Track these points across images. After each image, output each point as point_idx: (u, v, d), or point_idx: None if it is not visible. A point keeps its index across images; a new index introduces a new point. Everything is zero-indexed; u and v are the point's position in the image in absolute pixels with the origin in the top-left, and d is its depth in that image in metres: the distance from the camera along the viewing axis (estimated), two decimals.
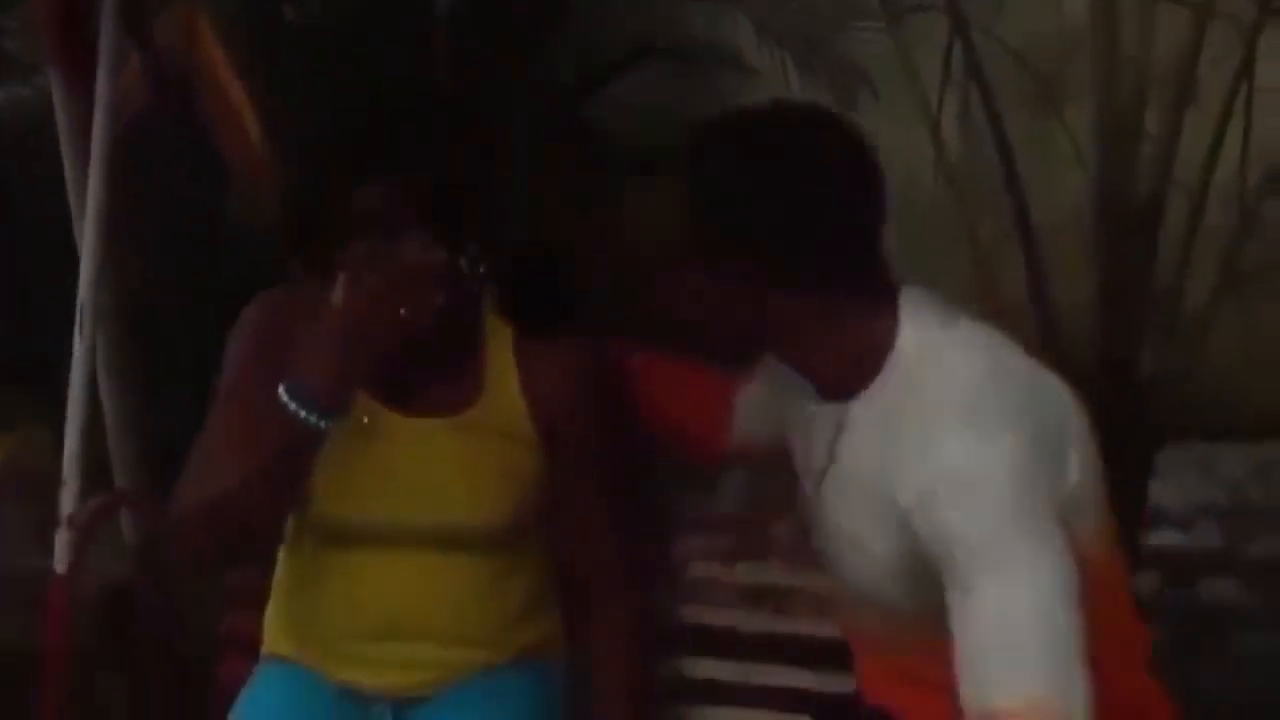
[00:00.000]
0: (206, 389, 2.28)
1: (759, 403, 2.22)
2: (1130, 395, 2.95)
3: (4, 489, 3.99)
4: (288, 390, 2.07)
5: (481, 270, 2.16)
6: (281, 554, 2.32)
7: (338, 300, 2.10)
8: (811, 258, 1.85)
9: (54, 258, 2.94)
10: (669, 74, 4.07)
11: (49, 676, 2.51)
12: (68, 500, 2.61)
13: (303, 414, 2.06)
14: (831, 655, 2.35)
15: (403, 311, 2.08)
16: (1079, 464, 1.86)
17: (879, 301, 1.88)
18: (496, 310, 2.24)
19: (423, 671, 2.26)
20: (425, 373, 2.17)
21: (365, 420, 2.16)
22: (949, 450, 1.82)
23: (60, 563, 2.55)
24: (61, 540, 2.56)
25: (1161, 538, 3.69)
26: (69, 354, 2.74)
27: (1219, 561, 2.60)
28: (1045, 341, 2.98)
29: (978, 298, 2.99)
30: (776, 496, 2.86)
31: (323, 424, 2.06)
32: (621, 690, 2.22)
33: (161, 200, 3.23)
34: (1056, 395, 1.90)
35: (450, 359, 2.19)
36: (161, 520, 2.30)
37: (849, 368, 1.90)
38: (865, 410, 1.90)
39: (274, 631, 2.38)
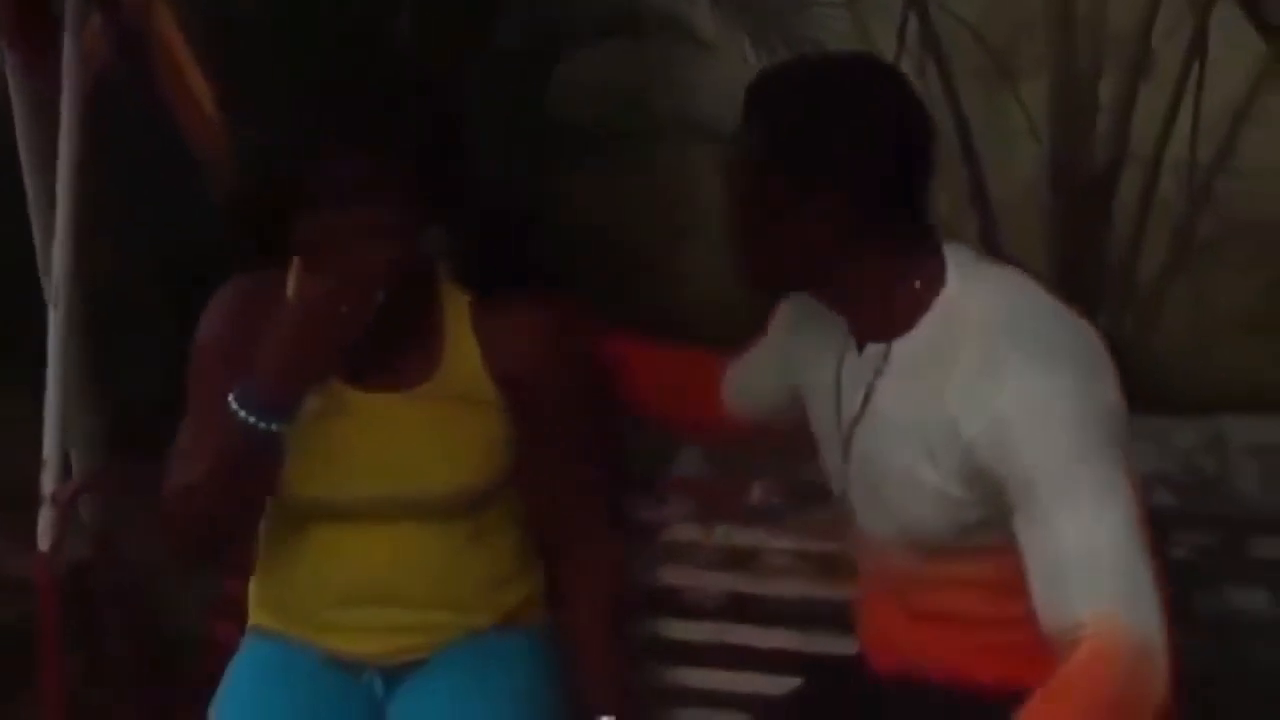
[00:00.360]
0: (171, 364, 2.28)
1: (758, 370, 2.29)
2: None
3: None
4: (237, 398, 2.08)
5: (436, 242, 2.17)
6: (262, 527, 2.33)
7: (294, 290, 2.10)
8: (877, 197, 1.94)
9: (10, 231, 2.92)
10: (624, 50, 4.08)
11: (46, 652, 2.53)
12: (49, 479, 2.61)
13: (252, 420, 2.07)
14: (809, 615, 2.39)
15: (358, 293, 2.08)
16: (1119, 396, 1.94)
17: (929, 244, 1.97)
18: (451, 278, 2.24)
19: (407, 637, 2.28)
20: (383, 347, 2.17)
21: (316, 404, 2.16)
22: (1018, 378, 1.87)
23: (44, 539, 2.55)
24: (45, 518, 2.56)
25: None
26: (22, 330, 2.73)
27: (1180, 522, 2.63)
28: None
29: None
30: (740, 463, 2.89)
31: (273, 428, 2.07)
32: (601, 649, 2.24)
33: (127, 169, 3.22)
34: (1093, 334, 1.99)
35: (407, 331, 2.19)
36: (131, 498, 2.32)
37: (899, 307, 1.98)
38: (910, 349, 1.97)
39: (259, 604, 2.39)
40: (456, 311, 2.23)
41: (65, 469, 2.70)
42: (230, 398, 2.08)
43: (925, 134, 1.98)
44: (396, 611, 2.27)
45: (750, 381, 2.32)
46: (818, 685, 2.26)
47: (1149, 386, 3.22)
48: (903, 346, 1.99)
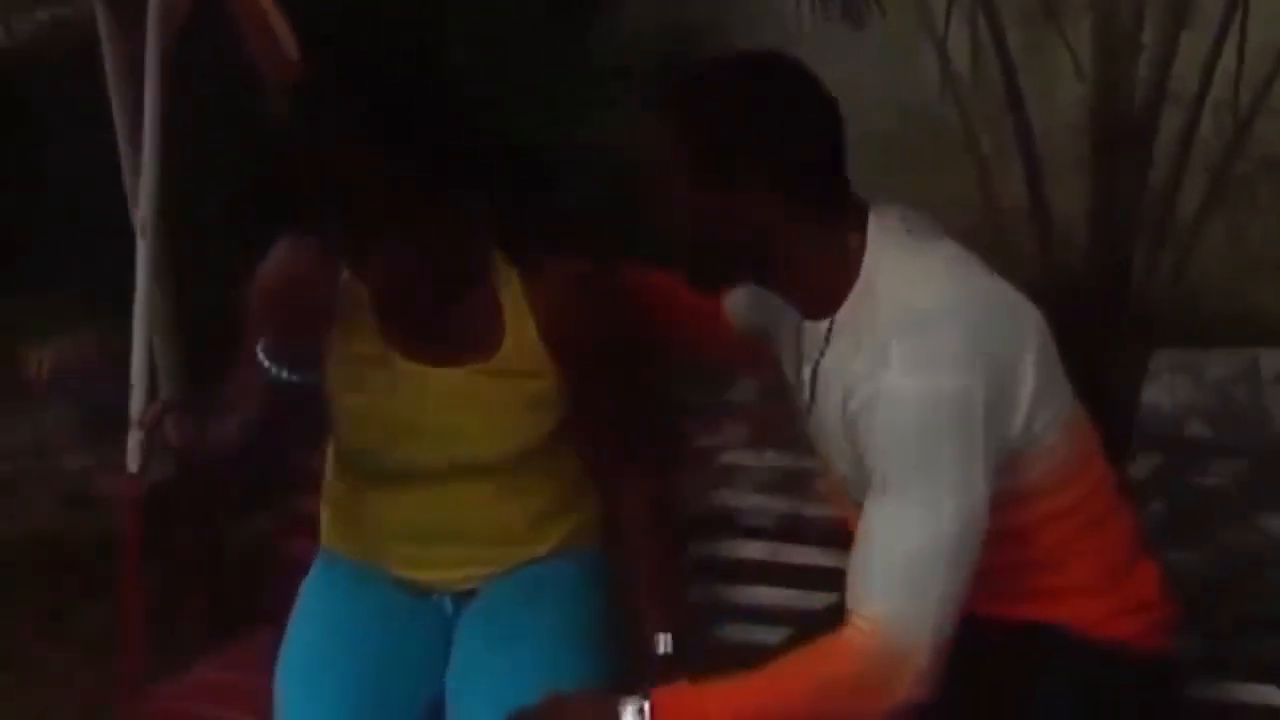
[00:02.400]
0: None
1: (740, 312, 2.34)
2: (1122, 300, 3.02)
3: (53, 390, 4.06)
4: (265, 351, 2.15)
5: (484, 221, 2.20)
6: (329, 453, 2.40)
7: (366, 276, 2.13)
8: (799, 186, 2.01)
9: (98, 172, 3.00)
10: None
11: (129, 568, 2.63)
12: (136, 402, 2.70)
13: (275, 370, 2.14)
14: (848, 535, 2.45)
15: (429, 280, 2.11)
16: (1033, 380, 1.98)
17: (847, 225, 2.05)
18: (502, 253, 2.28)
19: (468, 568, 2.37)
20: (444, 325, 2.23)
21: (377, 377, 2.23)
22: (892, 371, 1.94)
23: (132, 461, 2.66)
24: (133, 440, 2.67)
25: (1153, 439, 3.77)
26: (112, 262, 2.81)
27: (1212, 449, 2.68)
28: (1043, 248, 3.04)
29: (980, 206, 3.06)
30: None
31: (295, 379, 2.15)
32: (653, 569, 2.32)
33: (204, 108, 3.27)
34: (1013, 314, 2.03)
35: (465, 309, 2.24)
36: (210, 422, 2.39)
37: (823, 288, 2.06)
38: (842, 326, 2.06)
39: (329, 528, 2.47)
40: (509, 284, 2.27)
41: (151, 394, 2.79)
42: (259, 349, 2.15)
43: (835, 121, 2.05)
44: (456, 548, 2.35)
45: (744, 308, 2.37)
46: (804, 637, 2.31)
47: (1185, 321, 3.27)
48: (837, 324, 2.06)
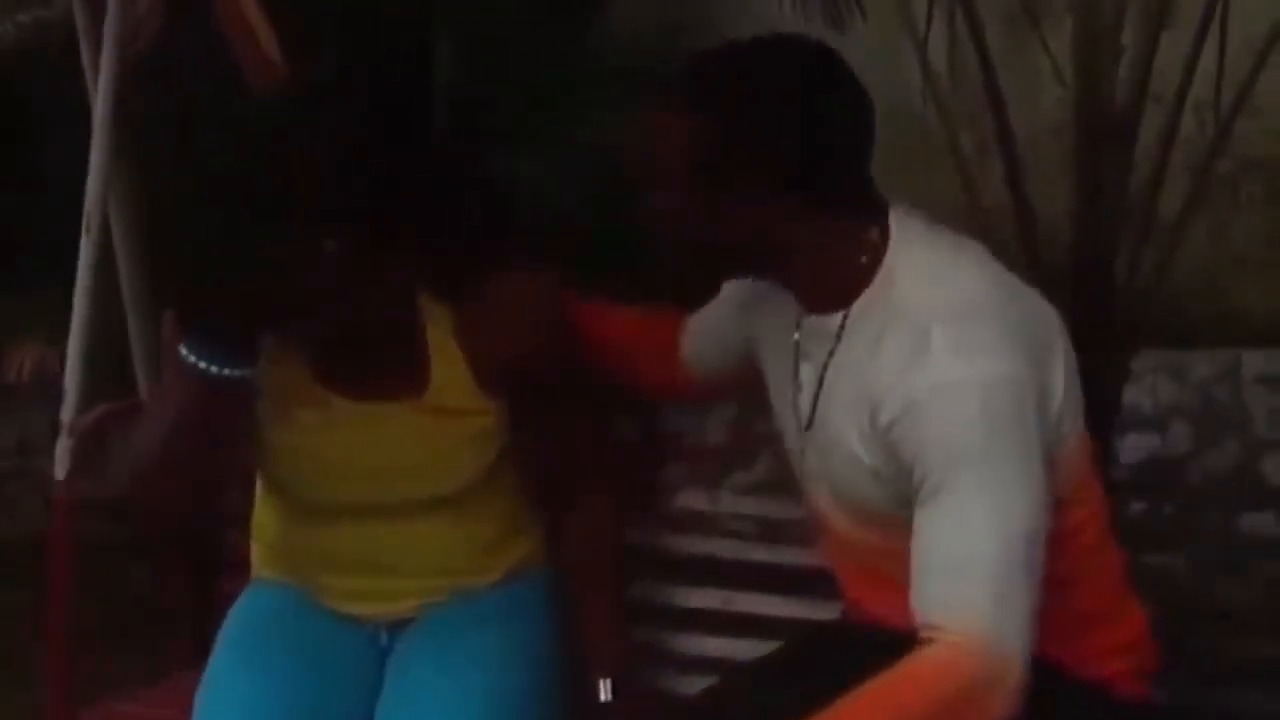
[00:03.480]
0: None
1: (711, 331, 2.26)
2: (1106, 301, 3.00)
3: (32, 391, 4.03)
4: (189, 346, 2.06)
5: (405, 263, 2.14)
6: (259, 488, 2.35)
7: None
8: (811, 174, 1.91)
9: (78, 171, 2.97)
10: None
11: (54, 580, 2.56)
12: (68, 408, 2.64)
13: (203, 365, 2.05)
14: (815, 584, 2.37)
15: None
16: (1063, 379, 1.91)
17: (870, 216, 1.95)
18: (430, 292, 2.22)
19: (403, 600, 2.30)
20: (371, 363, 2.18)
21: (308, 415, 2.16)
22: (936, 366, 1.83)
23: (60, 468, 2.59)
24: (62, 447, 2.60)
25: (1137, 439, 3.76)
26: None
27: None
28: (1025, 249, 3.02)
29: (961, 206, 3.04)
30: (761, 428, 2.89)
31: (226, 372, 2.06)
32: (598, 608, 2.26)
33: (183, 108, 3.24)
34: (1041, 312, 1.95)
35: (392, 347, 2.18)
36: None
37: (840, 280, 1.95)
38: (856, 321, 1.95)
39: (261, 559, 2.40)
40: (438, 325, 2.22)
41: (85, 399, 2.73)
42: (181, 347, 2.07)
43: (864, 108, 1.93)
44: (394, 580, 2.29)
45: (705, 339, 2.28)
46: (796, 644, 2.23)
47: (1168, 321, 3.26)
48: (850, 319, 1.96)
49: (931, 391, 1.84)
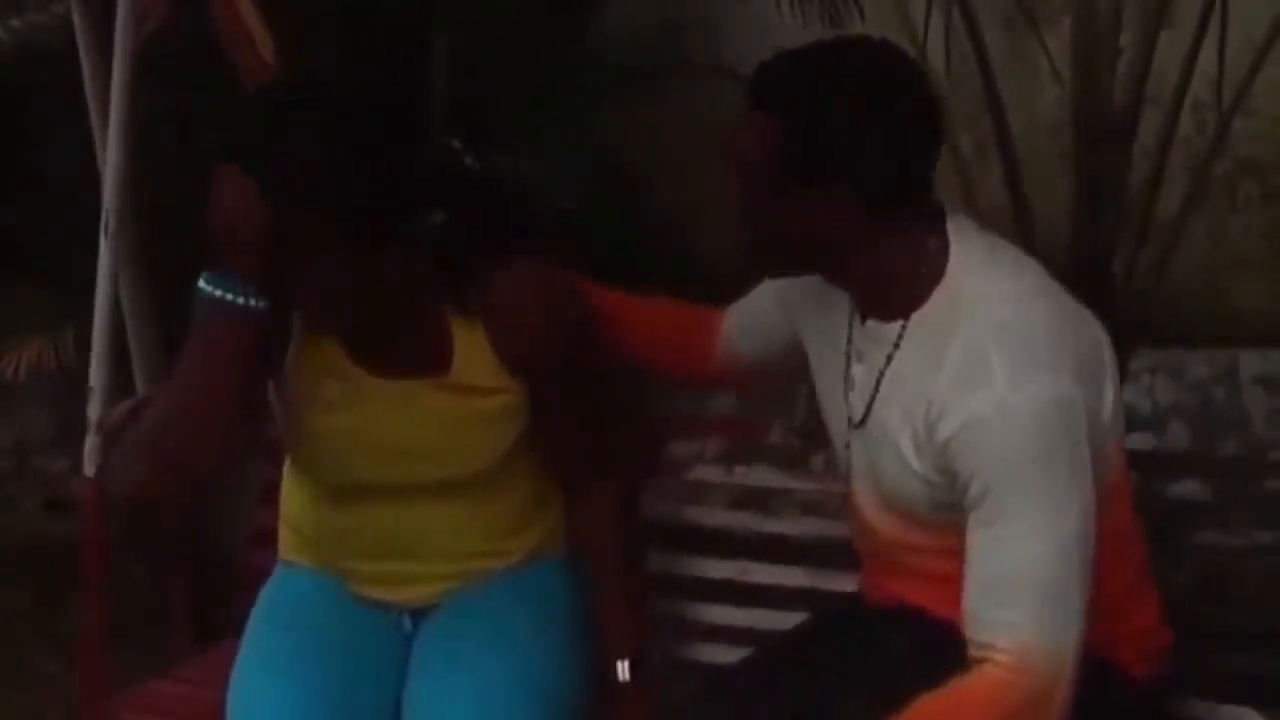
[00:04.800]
0: None
1: (755, 324, 2.28)
2: (1104, 301, 2.99)
3: (30, 390, 4.02)
4: (209, 281, 2.04)
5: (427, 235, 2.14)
6: (285, 470, 2.35)
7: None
8: (891, 185, 1.93)
9: (77, 171, 2.96)
10: None
11: (89, 576, 2.58)
12: (95, 405, 2.66)
13: (228, 296, 2.03)
14: (823, 554, 2.40)
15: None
16: (1111, 393, 1.93)
17: (931, 222, 1.97)
18: (451, 269, 2.21)
19: (426, 585, 2.31)
20: (394, 339, 2.17)
21: (334, 393, 2.16)
22: (996, 384, 1.85)
23: (89, 466, 2.61)
24: (90, 444, 2.61)
25: (1135, 439, 3.75)
26: (90, 258, 2.77)
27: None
28: (1023, 249, 3.00)
29: (960, 206, 3.02)
30: (768, 402, 2.90)
31: (252, 302, 2.03)
32: (615, 587, 2.26)
33: (180, 109, 3.24)
34: (1093, 332, 1.97)
35: (415, 326, 2.17)
36: None
37: (901, 286, 1.97)
38: (916, 330, 1.97)
39: (287, 543, 2.41)
40: (461, 301, 2.21)
41: (112, 396, 2.74)
42: (200, 282, 2.05)
43: (936, 115, 1.95)
44: (417, 564, 2.30)
45: (749, 331, 2.30)
46: (818, 619, 2.27)
47: (1166, 322, 3.25)
48: (911, 326, 1.98)
49: (992, 412, 1.86)
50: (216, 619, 2.78)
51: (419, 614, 2.34)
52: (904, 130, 1.93)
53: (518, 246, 2.22)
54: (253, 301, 2.02)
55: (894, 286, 1.98)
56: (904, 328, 1.99)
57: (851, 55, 1.98)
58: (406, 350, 2.19)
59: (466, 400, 2.19)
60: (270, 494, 2.49)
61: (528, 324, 2.18)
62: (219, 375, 2.04)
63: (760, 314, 2.31)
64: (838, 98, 1.91)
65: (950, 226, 2.00)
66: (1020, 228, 3.03)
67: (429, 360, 2.19)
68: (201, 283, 2.04)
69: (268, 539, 2.49)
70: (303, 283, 2.02)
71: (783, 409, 2.72)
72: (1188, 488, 2.47)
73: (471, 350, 2.19)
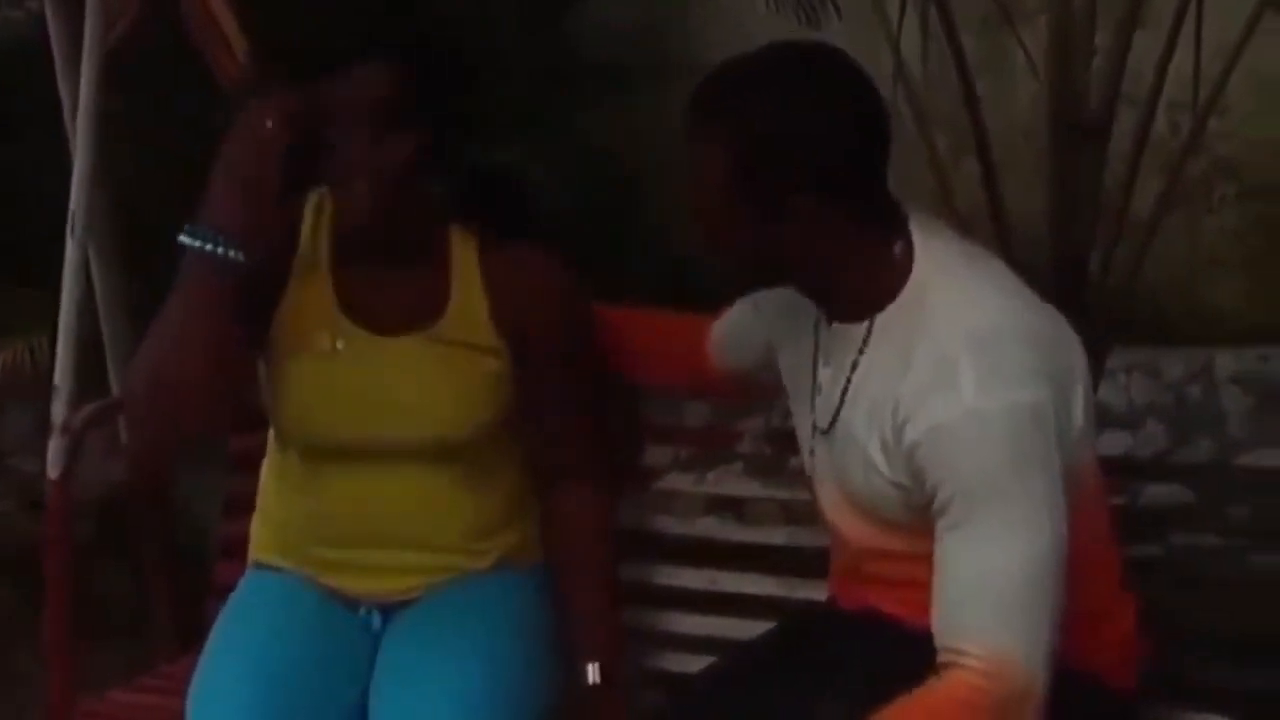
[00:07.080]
0: None
1: (738, 331, 2.27)
2: (1080, 300, 2.98)
3: (7, 392, 3.99)
4: (189, 232, 2.03)
5: (433, 175, 2.14)
6: (265, 465, 2.34)
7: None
8: (848, 189, 1.91)
9: (54, 170, 2.93)
10: None
11: (51, 577, 2.55)
12: (59, 407, 2.62)
13: (207, 247, 2.01)
14: (795, 562, 2.39)
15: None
16: (1083, 398, 1.91)
17: (890, 221, 1.95)
18: (460, 220, 2.23)
19: (401, 578, 2.29)
20: (391, 285, 2.16)
21: (339, 345, 2.15)
22: (964, 390, 1.83)
23: (54, 468, 2.57)
24: (55, 446, 2.58)
25: (1111, 437, 3.74)
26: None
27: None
28: (999, 248, 3.00)
29: (936, 205, 3.01)
30: (739, 411, 2.87)
31: (230, 254, 2.01)
32: (588, 591, 2.24)
33: (153, 108, 3.22)
34: (1063, 334, 1.95)
35: (412, 270, 2.17)
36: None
37: (865, 287, 1.95)
38: (881, 332, 1.94)
39: (260, 540, 2.40)
40: (464, 255, 2.22)
41: (77, 397, 2.71)
42: (181, 235, 2.04)
43: (883, 117, 1.93)
44: (391, 553, 2.28)
45: (731, 341, 2.30)
46: (785, 626, 2.26)
47: (1142, 320, 3.24)
48: (876, 328, 1.96)
49: (960, 419, 1.84)
50: (202, 621, 2.76)
51: (388, 611, 2.32)
52: (858, 130, 1.91)
53: (534, 233, 2.23)
54: (231, 253, 2.02)
55: (859, 286, 1.96)
56: (870, 328, 1.96)
57: (778, 62, 1.95)
58: (403, 294, 2.19)
59: (454, 356, 2.19)
60: (234, 506, 2.46)
61: (534, 299, 2.19)
62: (197, 325, 2.04)
63: (741, 324, 2.30)
64: (789, 106, 1.89)
65: (914, 225, 1.98)
66: (997, 227, 3.01)
67: (423, 308, 2.19)
68: (182, 235, 2.04)
69: (236, 550, 2.46)
70: (348, 151, 2.03)
71: (760, 415, 2.68)
72: (1165, 491, 2.45)
73: (467, 307, 2.20)
